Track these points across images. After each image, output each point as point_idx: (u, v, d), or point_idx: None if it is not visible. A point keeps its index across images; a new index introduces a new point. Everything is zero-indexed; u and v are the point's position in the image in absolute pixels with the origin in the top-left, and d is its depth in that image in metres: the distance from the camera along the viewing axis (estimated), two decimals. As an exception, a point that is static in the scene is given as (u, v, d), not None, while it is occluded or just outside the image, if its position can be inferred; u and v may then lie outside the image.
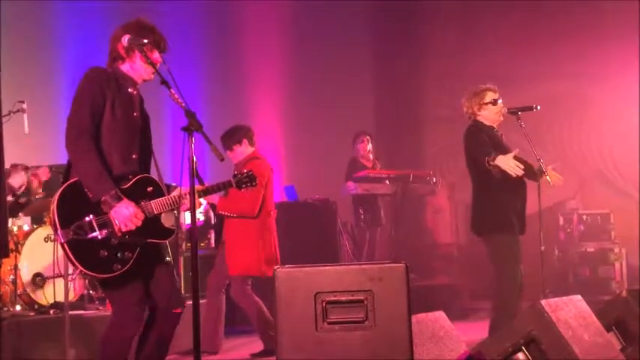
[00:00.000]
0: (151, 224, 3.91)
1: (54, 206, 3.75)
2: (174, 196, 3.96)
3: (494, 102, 5.86)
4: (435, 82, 11.21)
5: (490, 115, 5.89)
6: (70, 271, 5.95)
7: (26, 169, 6.73)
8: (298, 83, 10.89)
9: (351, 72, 11.08)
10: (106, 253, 3.78)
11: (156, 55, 4.00)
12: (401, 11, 11.29)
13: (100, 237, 3.76)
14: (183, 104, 3.85)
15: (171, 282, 4.09)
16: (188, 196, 3.85)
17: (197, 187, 3.88)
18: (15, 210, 6.71)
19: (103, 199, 3.76)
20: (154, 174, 4.09)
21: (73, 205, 3.77)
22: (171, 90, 3.86)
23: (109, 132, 3.86)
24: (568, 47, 10.31)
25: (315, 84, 10.79)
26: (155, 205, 3.91)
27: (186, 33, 9.92)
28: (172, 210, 3.99)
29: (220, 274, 6.35)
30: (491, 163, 5.60)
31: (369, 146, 9.45)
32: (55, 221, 3.74)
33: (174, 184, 4.14)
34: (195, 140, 3.81)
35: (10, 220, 6.47)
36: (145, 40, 3.96)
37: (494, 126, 5.94)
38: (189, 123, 3.80)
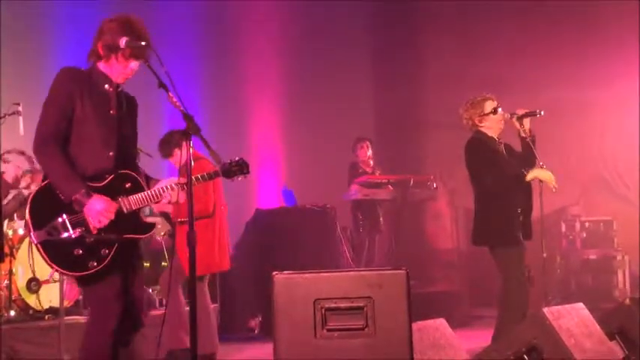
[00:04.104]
0: (130, 220, 3.87)
1: (28, 208, 3.76)
2: (154, 190, 3.94)
3: (495, 111, 5.79)
4: (435, 87, 11.16)
5: (492, 124, 5.83)
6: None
7: (22, 153, 6.58)
8: (298, 88, 10.85)
9: (351, 76, 11.04)
10: (81, 252, 3.76)
11: (133, 64, 3.93)
12: (401, 16, 11.26)
13: (73, 236, 3.75)
14: (181, 107, 3.81)
15: (140, 290, 4.07)
16: (170, 188, 3.88)
17: (180, 179, 3.90)
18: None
19: (74, 198, 3.74)
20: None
21: (46, 207, 3.76)
22: (170, 93, 3.81)
23: (81, 131, 3.84)
24: (569, 52, 10.27)
25: (315, 89, 10.75)
26: (133, 200, 3.88)
27: (184, 35, 9.88)
28: (155, 203, 3.96)
29: (173, 275, 6.21)
30: (527, 179, 5.63)
31: (370, 152, 9.41)
32: (28, 223, 3.75)
33: (155, 178, 4.09)
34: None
35: (4, 224, 6.41)
36: (143, 42, 3.89)
37: (496, 137, 5.86)
38: (188, 126, 3.76)
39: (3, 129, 6.17)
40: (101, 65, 3.94)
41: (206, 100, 10.12)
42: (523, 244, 5.73)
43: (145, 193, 3.92)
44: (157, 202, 3.97)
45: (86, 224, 3.77)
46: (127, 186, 3.91)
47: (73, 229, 3.75)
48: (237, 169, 4.13)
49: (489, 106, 5.81)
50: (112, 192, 3.85)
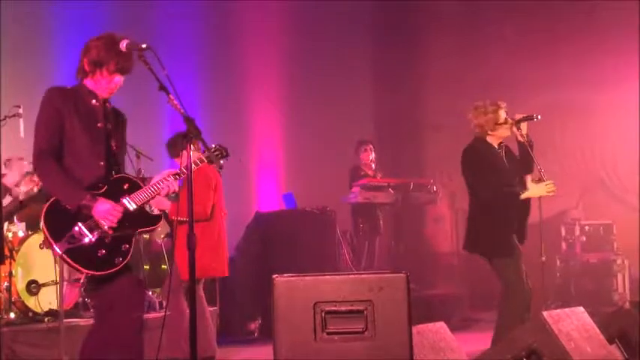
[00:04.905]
0: (138, 215, 4.08)
1: (43, 225, 3.93)
2: (153, 184, 4.12)
3: (506, 121, 5.75)
4: (435, 90, 11.16)
5: (502, 133, 5.78)
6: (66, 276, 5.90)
7: (20, 159, 6.60)
8: (298, 91, 10.85)
9: (351, 79, 11.04)
10: (104, 251, 3.97)
11: (117, 79, 4.09)
12: (401, 19, 11.26)
13: (93, 239, 3.93)
14: (182, 110, 3.88)
15: None
16: (166, 179, 4.09)
17: (171, 170, 4.14)
18: (17, 210, 6.62)
19: (82, 204, 3.94)
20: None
21: (60, 219, 3.94)
22: (170, 96, 3.89)
23: (72, 146, 4.03)
24: (569, 54, 10.27)
25: (315, 92, 10.75)
26: (136, 197, 4.07)
27: (185, 37, 9.88)
28: (156, 195, 4.13)
29: (174, 280, 6.23)
30: (522, 197, 5.63)
31: (372, 155, 9.43)
32: (47, 237, 3.92)
33: (148, 177, 4.33)
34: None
35: (4, 226, 6.40)
36: (144, 45, 3.97)
37: (496, 144, 5.81)
38: (188, 130, 3.87)
39: (3, 131, 6.17)
40: (88, 82, 4.12)
41: (206, 103, 10.12)
42: (518, 249, 5.71)
43: (145, 188, 4.11)
44: (157, 195, 4.13)
45: (101, 226, 3.96)
46: (125, 187, 4.09)
47: (91, 233, 3.94)
48: (217, 153, 4.40)
49: (503, 115, 5.74)
50: (113, 196, 4.03)
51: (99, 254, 3.95)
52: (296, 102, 10.82)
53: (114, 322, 4.05)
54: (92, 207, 3.92)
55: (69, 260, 3.91)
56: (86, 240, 3.91)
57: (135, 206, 4.04)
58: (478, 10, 10.80)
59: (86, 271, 3.98)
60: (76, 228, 3.92)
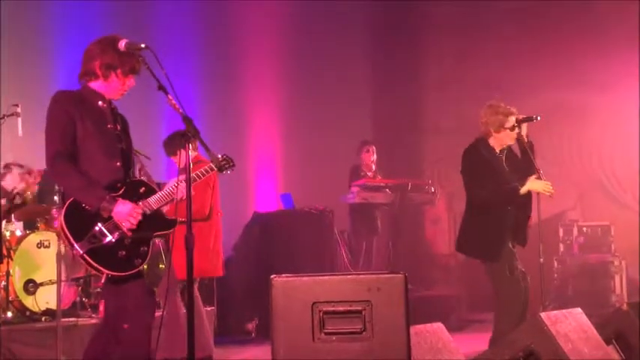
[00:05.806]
0: (155, 219, 4.13)
1: (63, 225, 3.96)
2: (166, 189, 4.16)
3: (513, 128, 5.73)
4: (434, 91, 11.17)
5: (504, 138, 5.76)
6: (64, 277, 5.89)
7: (20, 166, 6.63)
8: (296, 92, 10.85)
9: (350, 80, 11.05)
10: (124, 252, 4.01)
11: (131, 80, 4.13)
12: (401, 19, 11.27)
13: (114, 240, 3.98)
14: (180, 110, 3.90)
15: None
16: (180, 184, 4.11)
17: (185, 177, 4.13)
18: (10, 213, 6.63)
19: (101, 205, 3.96)
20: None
21: (79, 220, 3.97)
22: (169, 96, 3.90)
23: (85, 148, 4.04)
24: (569, 57, 10.27)
25: (314, 92, 10.75)
26: (152, 201, 4.12)
27: (184, 35, 9.88)
28: (170, 200, 4.18)
29: (169, 279, 6.22)
30: (521, 192, 5.62)
31: (374, 156, 9.45)
32: (68, 237, 3.95)
33: (163, 181, 4.39)
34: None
35: (2, 224, 6.40)
36: (143, 45, 4.00)
37: (497, 148, 5.79)
38: (187, 129, 3.90)
39: (2, 130, 6.17)
40: (93, 84, 4.12)
41: (205, 103, 10.11)
42: (509, 254, 5.69)
43: (161, 193, 4.16)
44: (172, 200, 4.18)
45: (120, 227, 4.00)
46: (141, 191, 4.14)
47: (111, 234, 3.98)
48: (225, 163, 4.46)
49: (511, 122, 5.70)
50: (130, 199, 4.06)
51: (119, 255, 3.99)
52: (295, 102, 10.82)
53: (123, 325, 4.06)
54: (112, 209, 3.95)
55: (90, 260, 3.94)
56: (107, 240, 3.95)
57: (152, 209, 4.08)
58: (478, 10, 10.80)
59: (107, 271, 4.00)
60: (97, 228, 3.95)
